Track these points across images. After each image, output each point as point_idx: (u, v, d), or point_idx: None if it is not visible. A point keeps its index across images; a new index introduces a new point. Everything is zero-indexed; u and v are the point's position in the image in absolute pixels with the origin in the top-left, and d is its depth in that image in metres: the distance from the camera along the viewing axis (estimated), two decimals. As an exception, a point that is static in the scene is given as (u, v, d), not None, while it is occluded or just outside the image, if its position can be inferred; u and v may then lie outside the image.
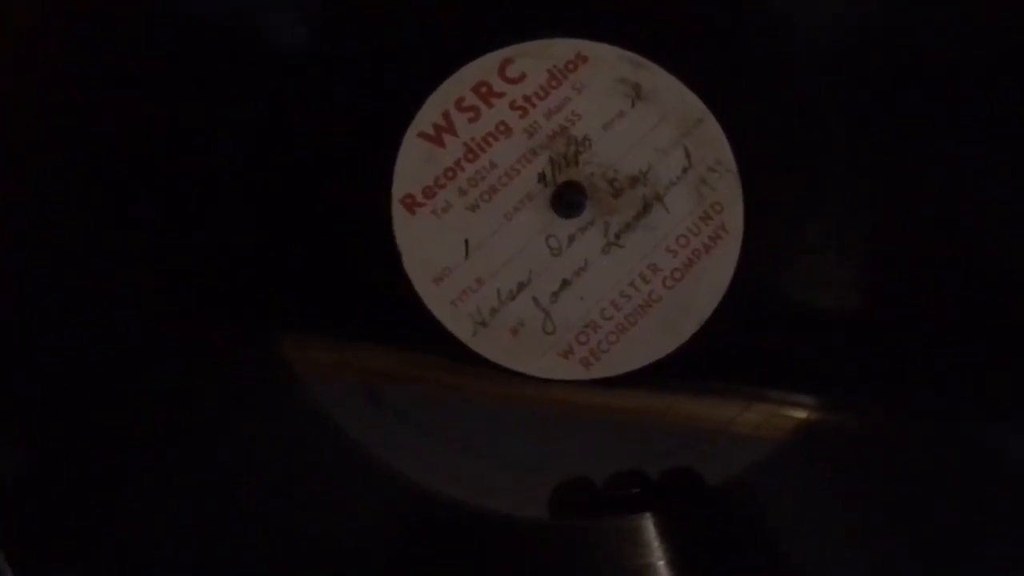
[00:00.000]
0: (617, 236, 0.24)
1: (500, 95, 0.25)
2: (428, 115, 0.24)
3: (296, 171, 0.24)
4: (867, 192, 0.25)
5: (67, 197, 0.23)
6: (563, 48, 0.25)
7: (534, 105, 0.25)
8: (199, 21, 0.24)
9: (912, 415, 0.24)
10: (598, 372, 0.23)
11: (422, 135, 0.24)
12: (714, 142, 0.25)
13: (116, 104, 0.24)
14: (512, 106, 0.25)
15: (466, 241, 0.24)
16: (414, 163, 0.24)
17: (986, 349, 0.23)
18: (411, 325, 0.23)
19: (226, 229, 0.23)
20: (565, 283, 0.24)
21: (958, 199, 0.24)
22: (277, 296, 0.23)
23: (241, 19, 0.24)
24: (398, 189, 0.24)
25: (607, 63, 0.25)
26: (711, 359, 0.24)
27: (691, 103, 0.25)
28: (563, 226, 0.24)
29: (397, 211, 0.24)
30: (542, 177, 0.24)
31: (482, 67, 0.25)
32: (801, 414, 0.24)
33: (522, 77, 0.25)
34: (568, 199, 0.24)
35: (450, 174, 0.24)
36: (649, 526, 0.23)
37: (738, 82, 0.26)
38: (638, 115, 0.25)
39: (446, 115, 0.25)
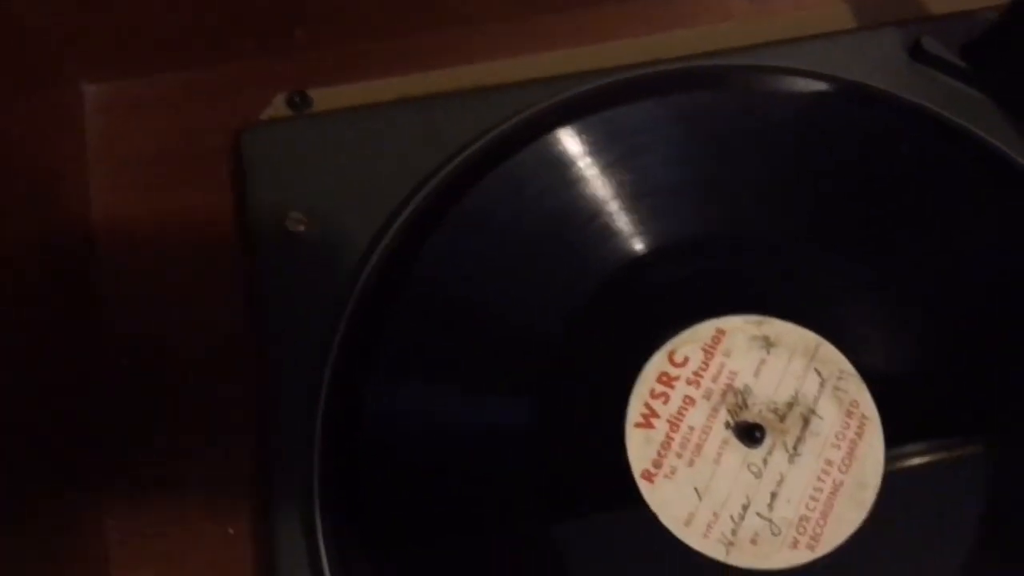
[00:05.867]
0: (795, 448, 0.34)
1: (676, 378, 0.35)
2: (635, 410, 0.35)
3: (562, 476, 0.34)
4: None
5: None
6: (705, 329, 0.36)
7: (702, 376, 0.35)
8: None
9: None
10: (821, 550, 0.33)
11: (637, 425, 0.34)
12: (833, 358, 0.35)
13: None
14: (688, 382, 0.35)
15: (695, 489, 0.34)
16: (638, 446, 0.34)
17: None
18: (674, 562, 0.33)
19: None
20: (773, 495, 0.33)
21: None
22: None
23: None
24: (635, 468, 0.34)
25: (739, 329, 0.35)
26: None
27: (807, 336, 0.35)
28: (755, 454, 0.34)
29: (641, 484, 0.34)
30: (728, 425, 0.34)
31: (657, 363, 0.35)
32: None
33: (686, 361, 0.35)
34: (751, 435, 0.34)
35: (666, 446, 0.34)
36: None
37: (835, 308, 0.36)
38: (774, 358, 0.35)
39: (647, 405, 0.35)
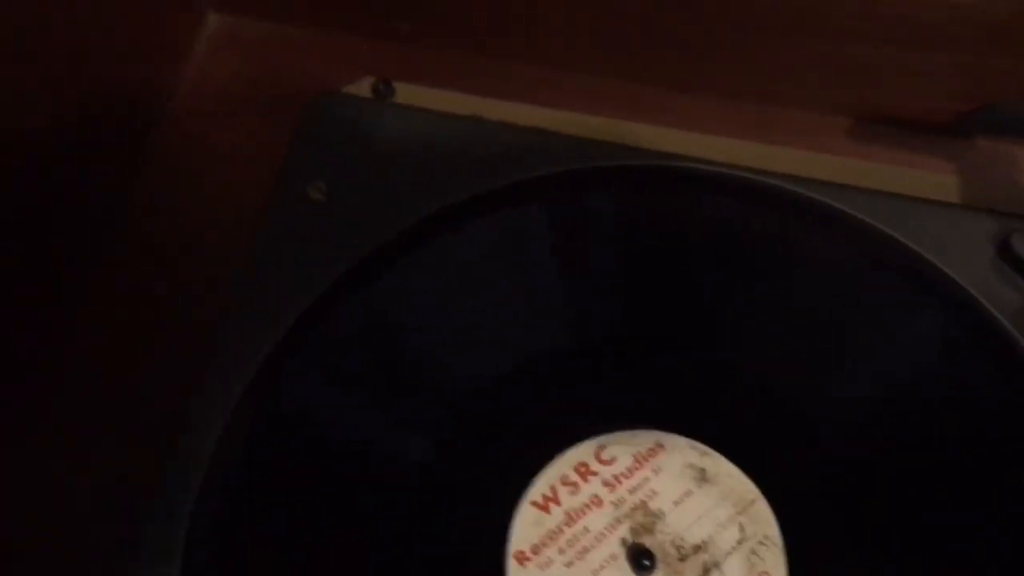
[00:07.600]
0: (681, 595, 0.31)
1: (595, 474, 0.32)
2: (539, 488, 0.32)
3: (444, 531, 0.32)
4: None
5: None
6: (646, 437, 0.33)
7: (621, 483, 0.32)
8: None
9: None
10: None
11: (534, 503, 0.32)
12: (764, 520, 0.31)
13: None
14: (604, 483, 0.32)
15: (561, 592, 0.31)
16: (526, 526, 0.32)
17: None
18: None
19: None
20: (637, 632, 0.30)
21: None
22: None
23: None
24: (513, 545, 0.32)
25: (680, 451, 0.33)
26: None
27: (746, 486, 0.32)
28: (639, 583, 0.31)
29: (510, 563, 0.31)
30: (624, 542, 0.31)
31: (583, 451, 0.33)
32: None
33: (613, 460, 0.33)
34: (641, 561, 0.31)
35: (553, 536, 0.32)
36: None
37: (788, 470, 0.32)
38: (703, 494, 0.32)
39: (553, 488, 0.32)
